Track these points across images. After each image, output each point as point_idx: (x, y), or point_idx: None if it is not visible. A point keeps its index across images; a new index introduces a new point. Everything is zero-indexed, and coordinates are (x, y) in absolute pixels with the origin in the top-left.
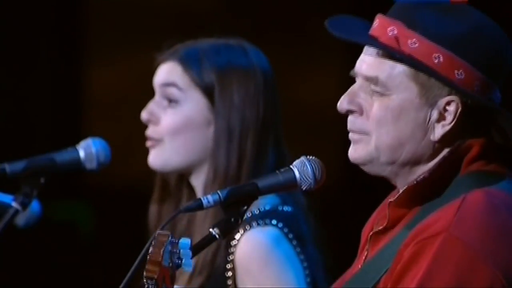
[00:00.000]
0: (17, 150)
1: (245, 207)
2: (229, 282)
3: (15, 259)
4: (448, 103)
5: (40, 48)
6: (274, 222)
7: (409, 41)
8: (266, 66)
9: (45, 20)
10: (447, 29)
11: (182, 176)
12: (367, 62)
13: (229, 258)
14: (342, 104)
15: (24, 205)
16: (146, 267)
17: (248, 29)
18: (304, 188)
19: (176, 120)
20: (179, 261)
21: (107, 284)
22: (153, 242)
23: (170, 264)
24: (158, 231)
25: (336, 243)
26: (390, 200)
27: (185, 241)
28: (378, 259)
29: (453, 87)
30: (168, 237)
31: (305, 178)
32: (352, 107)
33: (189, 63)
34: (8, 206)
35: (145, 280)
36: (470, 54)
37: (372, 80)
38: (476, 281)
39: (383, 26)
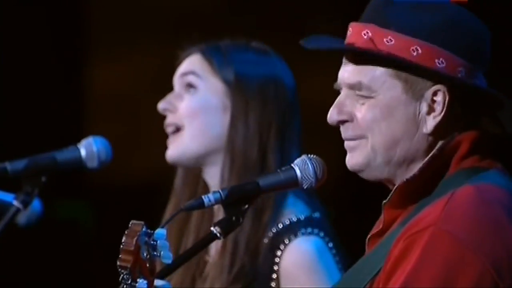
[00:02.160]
0: (18, 148)
1: (247, 206)
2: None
3: (16, 258)
4: (435, 94)
5: (42, 47)
6: (316, 231)
7: (384, 39)
8: (284, 70)
9: (47, 19)
10: (421, 22)
11: (198, 175)
12: (348, 71)
13: (274, 267)
14: (332, 116)
15: (26, 204)
16: (120, 256)
17: (250, 28)
18: (305, 187)
19: (194, 105)
20: (157, 254)
21: (109, 282)
22: (126, 231)
23: (148, 256)
24: (132, 221)
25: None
26: (384, 201)
27: (160, 231)
28: (372, 258)
29: (435, 75)
30: (142, 226)
31: (306, 177)
32: (342, 117)
33: (209, 53)
34: (10, 204)
35: (119, 270)
36: (448, 42)
37: (355, 86)
38: (466, 273)
39: (357, 32)
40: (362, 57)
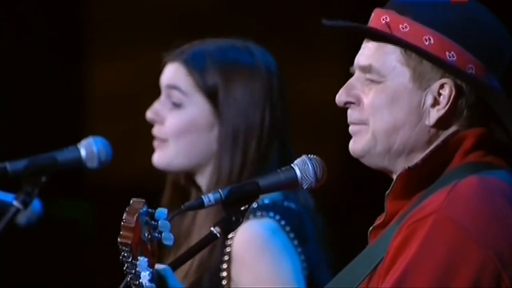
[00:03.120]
0: (18, 149)
1: (247, 206)
2: (224, 274)
3: (16, 258)
4: (442, 87)
5: (42, 46)
6: (271, 214)
7: (400, 26)
8: (273, 67)
9: (47, 18)
10: (439, 14)
11: (190, 175)
12: (362, 54)
13: (225, 250)
14: (340, 97)
15: (26, 204)
16: (120, 233)
17: (251, 28)
18: (305, 187)
19: (180, 123)
20: (159, 235)
21: (109, 282)
22: (127, 209)
23: (149, 236)
24: (133, 199)
25: (337, 241)
26: (387, 192)
27: (161, 211)
28: (374, 249)
29: (444, 67)
30: (143, 204)
31: (306, 177)
32: (350, 99)
33: (194, 65)
34: (10, 205)
35: (120, 246)
36: (462, 37)
37: (366, 69)
38: (468, 261)
39: (377, 17)
40: (378, 41)
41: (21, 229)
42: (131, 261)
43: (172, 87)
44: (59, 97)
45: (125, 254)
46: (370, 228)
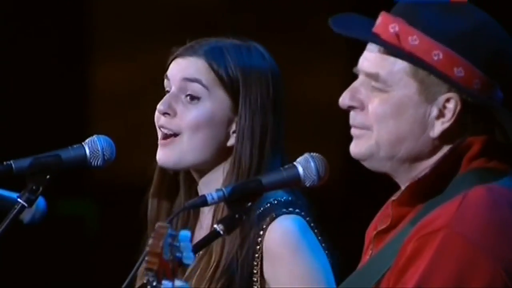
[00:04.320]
0: (23, 147)
1: (249, 204)
2: (255, 270)
3: (21, 255)
4: (448, 100)
5: (46, 46)
6: (297, 210)
7: (409, 38)
8: (277, 68)
9: (51, 17)
10: (448, 26)
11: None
12: (369, 59)
13: (257, 248)
14: (344, 100)
15: (30, 202)
16: (146, 258)
17: (251, 27)
18: (307, 185)
19: (198, 116)
20: (180, 254)
21: (113, 279)
22: (152, 234)
23: (171, 257)
24: (158, 223)
25: (338, 241)
26: (393, 199)
27: (185, 233)
28: (381, 256)
29: (451, 84)
30: (167, 229)
31: (308, 175)
32: (353, 103)
33: (215, 60)
34: (15, 202)
35: (145, 272)
36: (470, 52)
37: (373, 76)
38: (477, 276)
39: (385, 23)
40: (385, 49)
41: (25, 226)
42: (156, 285)
43: (192, 80)
44: (63, 96)
45: (150, 279)
46: (374, 233)
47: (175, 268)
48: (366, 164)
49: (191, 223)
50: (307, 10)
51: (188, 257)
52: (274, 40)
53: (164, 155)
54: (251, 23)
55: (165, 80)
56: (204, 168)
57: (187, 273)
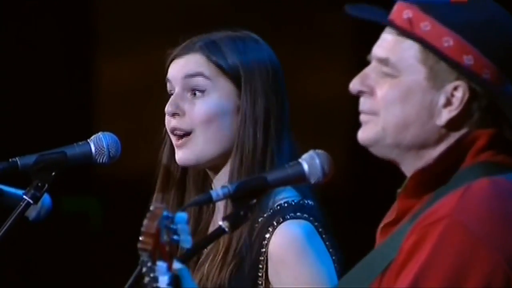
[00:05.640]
0: (28, 144)
1: (254, 201)
2: (260, 273)
3: (26, 252)
4: (456, 89)
5: (52, 44)
6: (305, 215)
7: (421, 24)
8: (273, 53)
9: (55, 15)
10: (461, 16)
11: (186, 168)
12: (381, 45)
13: (262, 250)
14: (354, 85)
15: (36, 199)
16: (140, 239)
17: (256, 23)
18: (312, 182)
19: (208, 109)
20: (177, 237)
21: (118, 276)
22: (147, 214)
23: (168, 240)
24: (153, 204)
25: (342, 237)
26: (399, 190)
27: (181, 215)
28: (385, 248)
29: (460, 71)
30: (163, 210)
31: (313, 172)
32: (363, 88)
33: (212, 51)
34: (20, 199)
35: (139, 252)
36: (481, 42)
37: (383, 61)
38: (478, 266)
39: (399, 10)
40: (398, 35)
41: (31, 223)
42: (150, 266)
43: (194, 74)
44: (68, 94)
45: (144, 259)
46: (381, 226)
47: (173, 251)
48: (373, 150)
49: (206, 220)
50: (312, 7)
51: (186, 240)
52: (278, 36)
53: (184, 156)
54: (255, 19)
55: (168, 84)
56: (222, 160)
57: (198, 264)
